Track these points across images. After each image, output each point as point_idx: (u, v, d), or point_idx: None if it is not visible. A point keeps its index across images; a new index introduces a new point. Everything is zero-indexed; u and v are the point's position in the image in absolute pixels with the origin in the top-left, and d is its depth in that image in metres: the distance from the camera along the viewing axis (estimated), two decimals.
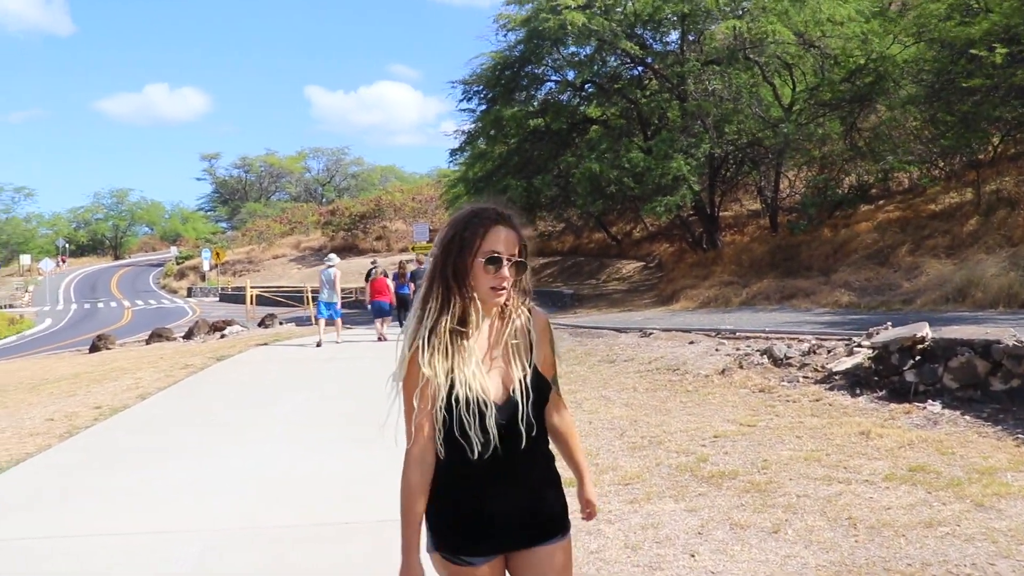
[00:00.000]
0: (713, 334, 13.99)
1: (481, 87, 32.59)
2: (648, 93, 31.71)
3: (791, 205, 33.66)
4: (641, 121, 31.14)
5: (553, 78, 33.27)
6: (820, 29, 26.97)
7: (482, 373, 2.55)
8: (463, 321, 2.59)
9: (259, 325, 27.18)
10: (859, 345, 10.49)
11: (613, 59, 31.75)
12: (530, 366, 2.61)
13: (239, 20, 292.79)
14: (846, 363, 10.14)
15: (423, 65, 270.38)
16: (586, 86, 33.10)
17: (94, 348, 25.89)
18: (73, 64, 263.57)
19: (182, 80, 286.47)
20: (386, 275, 21.63)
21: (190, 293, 65.10)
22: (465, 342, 2.56)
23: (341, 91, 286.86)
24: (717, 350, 12.33)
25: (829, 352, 10.75)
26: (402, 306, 21.70)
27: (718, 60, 29.06)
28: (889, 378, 9.35)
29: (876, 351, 9.66)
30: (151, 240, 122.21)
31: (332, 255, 20.77)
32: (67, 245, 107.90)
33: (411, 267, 22.98)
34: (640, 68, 32.47)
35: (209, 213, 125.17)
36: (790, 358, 10.88)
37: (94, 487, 6.93)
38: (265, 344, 19.93)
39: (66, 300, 64.21)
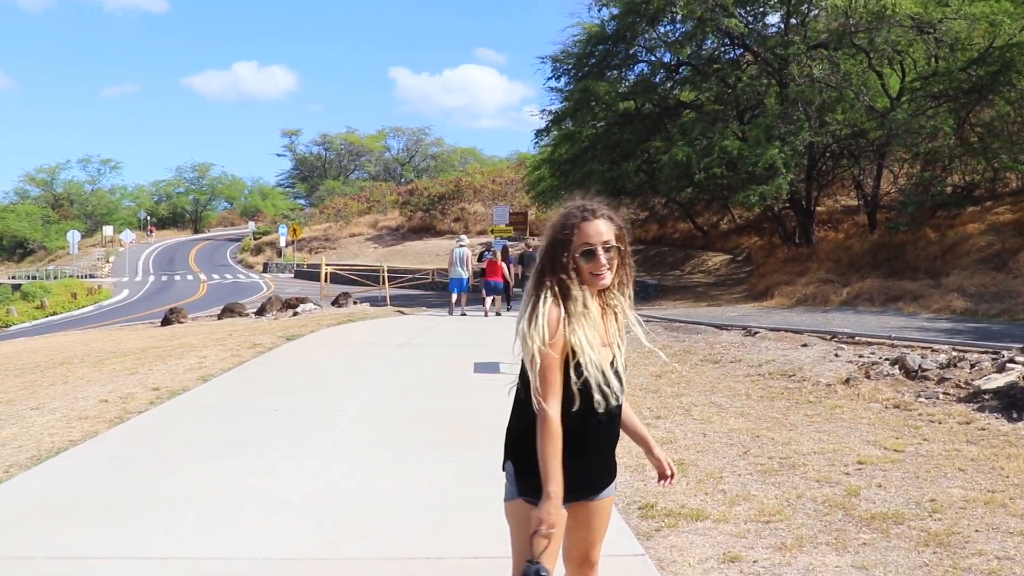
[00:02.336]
0: (828, 337, 12.67)
1: (571, 64, 31.34)
2: (746, 77, 30.11)
3: (890, 203, 31.81)
4: (737, 107, 29.55)
5: (646, 59, 31.91)
6: (942, 10, 25.04)
7: (600, 342, 2.96)
8: (576, 303, 2.92)
9: (333, 304, 26.36)
10: (1012, 360, 9.11)
11: (710, 41, 30.28)
12: (623, 343, 3.07)
13: (327, 1, 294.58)
14: (997, 380, 8.76)
15: (509, 49, 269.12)
16: (681, 68, 31.68)
17: (166, 321, 25.42)
18: (166, 41, 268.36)
19: (270, 58, 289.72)
20: (495, 257, 22.90)
21: (266, 269, 65.01)
22: (585, 320, 2.92)
23: (426, 73, 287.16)
24: (837, 355, 11.01)
25: (973, 367, 9.38)
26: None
27: (825, 43, 27.41)
28: None
29: None
30: (230, 215, 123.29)
31: (463, 235, 23.42)
32: (149, 217, 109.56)
33: (496, 251, 23.56)
34: (739, 51, 30.93)
35: (288, 190, 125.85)
36: (926, 370, 9.54)
37: (131, 492, 5.97)
38: (339, 324, 19.08)
39: (145, 272, 64.72)
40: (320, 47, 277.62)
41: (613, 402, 2.94)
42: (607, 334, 2.99)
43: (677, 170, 26.67)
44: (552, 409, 2.84)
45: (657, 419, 8.44)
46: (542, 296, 2.92)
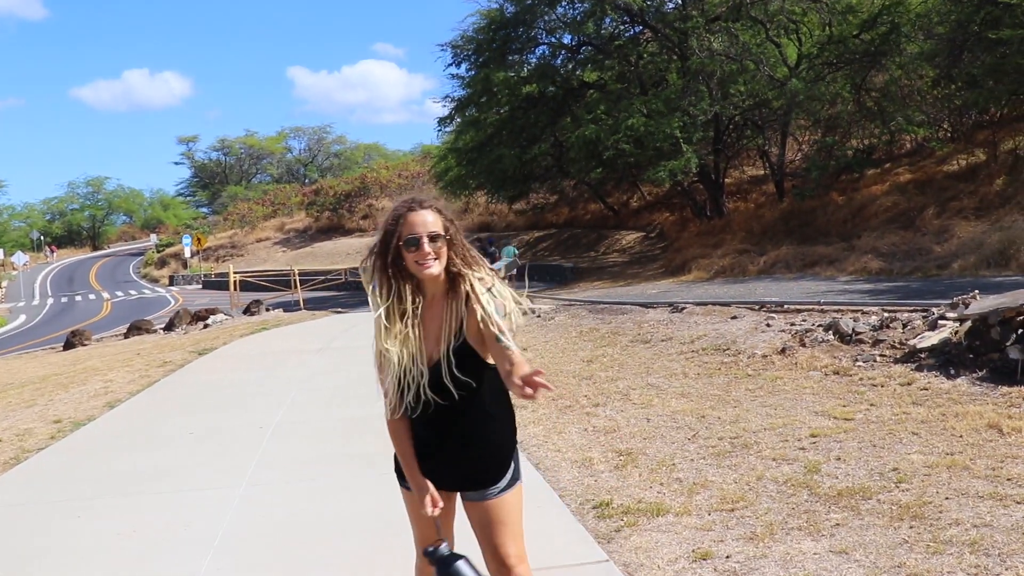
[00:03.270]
0: (757, 307, 12.49)
1: (471, 50, 30.88)
2: (647, 54, 30.03)
3: (795, 170, 32.15)
4: (640, 84, 29.49)
5: (547, 40, 31.62)
6: None
7: (418, 342, 2.95)
8: (407, 298, 2.98)
9: (244, 312, 25.57)
10: (943, 317, 8.99)
11: (608, 20, 30.13)
12: (457, 335, 2.93)
13: (220, 1, 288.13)
14: (931, 338, 8.63)
15: (408, 42, 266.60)
16: (582, 48, 31.48)
17: (68, 345, 24.27)
18: (48, 51, 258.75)
19: (162, 64, 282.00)
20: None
21: (172, 281, 63.07)
22: (408, 317, 2.96)
23: (324, 71, 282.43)
24: (768, 325, 10.82)
25: (906, 326, 9.25)
26: None
27: (722, 16, 27.47)
28: (987, 355, 7.86)
29: (971, 324, 8.20)
30: (131, 229, 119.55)
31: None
32: (42, 238, 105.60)
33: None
34: (639, 28, 30.84)
35: (189, 199, 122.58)
36: (860, 333, 9.38)
37: (28, 546, 5.33)
38: (252, 333, 18.39)
39: (42, 294, 62.12)
40: (213, 50, 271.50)
41: (431, 400, 2.93)
42: (437, 327, 2.95)
43: (586, 149, 26.50)
44: (386, 410, 3.04)
45: (596, 407, 8.10)
46: (372, 295, 3.04)
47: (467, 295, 2.95)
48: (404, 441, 3.02)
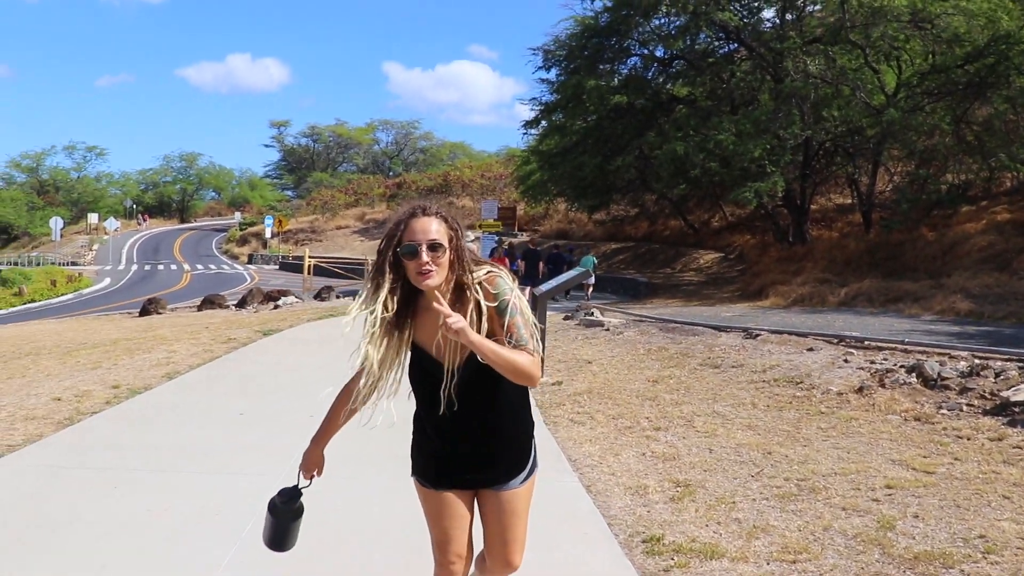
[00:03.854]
0: (835, 340, 11.97)
1: (563, 55, 30.61)
2: (739, 73, 29.43)
3: (884, 201, 31.20)
4: (731, 102, 28.92)
5: (639, 52, 31.22)
6: (940, 5, 24.42)
7: (426, 338, 2.97)
8: (405, 304, 2.94)
9: (315, 297, 25.69)
10: None
11: (703, 35, 29.62)
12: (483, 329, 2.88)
13: None
14: None
15: (502, 46, 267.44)
16: (674, 62, 31.01)
17: (144, 311, 24.69)
18: (161, 33, 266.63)
19: (264, 51, 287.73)
20: (506, 253, 24.00)
21: (251, 260, 64.12)
22: (405, 322, 2.96)
23: (419, 68, 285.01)
24: (846, 361, 10.32)
25: (998, 376, 8.69)
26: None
27: (820, 39, 26.77)
28: None
29: None
30: (218, 205, 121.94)
31: (468, 231, 24.15)
32: (135, 206, 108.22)
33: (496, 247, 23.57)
34: (733, 45, 30.27)
35: (276, 181, 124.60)
36: (946, 379, 8.86)
37: (60, 513, 5.22)
38: (319, 319, 18.34)
39: (128, 260, 63.70)
40: (314, 41, 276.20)
41: (428, 398, 3.02)
42: (436, 332, 2.87)
43: (673, 165, 26.03)
44: (351, 384, 3.24)
45: (657, 430, 7.74)
46: (358, 293, 3.04)
47: (477, 301, 2.90)
48: (340, 405, 3.25)
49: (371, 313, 2.92)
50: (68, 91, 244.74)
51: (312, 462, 3.33)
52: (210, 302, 25.48)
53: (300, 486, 3.40)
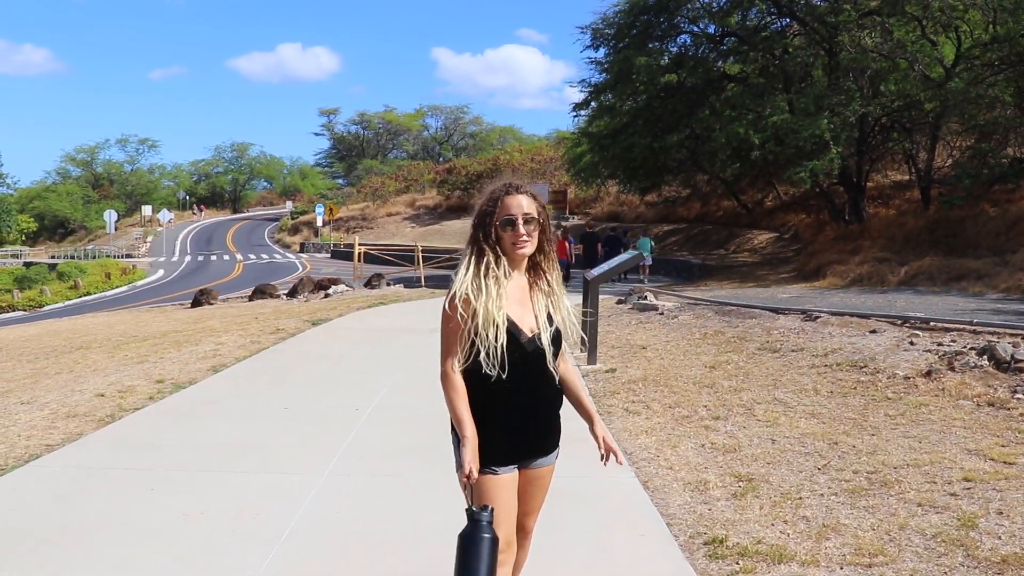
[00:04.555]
0: (899, 322, 11.49)
1: (612, 33, 30.08)
2: (792, 49, 28.71)
3: (943, 177, 30.31)
4: (784, 79, 28.21)
5: (689, 29, 30.61)
6: None
7: (511, 309, 3.12)
8: (499, 272, 3.14)
9: (365, 285, 25.54)
10: None
11: (755, 11, 28.94)
12: (555, 312, 3.23)
13: None
14: None
15: (551, 29, 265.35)
16: (725, 39, 30.37)
17: (196, 303, 24.77)
18: (212, 24, 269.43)
19: (314, 40, 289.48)
20: (567, 238, 24.84)
21: (303, 248, 64.40)
22: (500, 288, 3.10)
23: (468, 54, 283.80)
24: (912, 343, 9.87)
25: None
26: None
27: (876, 11, 25.97)
28: None
29: None
30: (269, 195, 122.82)
31: None
32: (188, 197, 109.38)
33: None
34: (786, 20, 29.54)
35: (326, 169, 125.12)
36: (1020, 361, 8.38)
37: (93, 517, 5.05)
38: (369, 307, 18.20)
39: (182, 252, 64.32)
40: (363, 29, 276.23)
41: (517, 370, 3.07)
42: (531, 307, 3.19)
43: (732, 146, 25.51)
44: (447, 366, 3.13)
45: (716, 420, 7.40)
46: (461, 263, 3.19)
47: (550, 294, 3.25)
48: (462, 396, 3.10)
49: (491, 279, 3.11)
50: (122, 85, 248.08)
51: (476, 462, 3.05)
52: (261, 292, 25.47)
53: (486, 515, 2.96)
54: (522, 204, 3.16)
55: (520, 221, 3.13)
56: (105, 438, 6.83)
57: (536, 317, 3.17)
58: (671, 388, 8.82)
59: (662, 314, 14.75)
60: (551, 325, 3.18)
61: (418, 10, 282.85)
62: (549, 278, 3.25)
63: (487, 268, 3.12)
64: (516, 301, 3.15)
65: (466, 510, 2.99)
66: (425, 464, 6.07)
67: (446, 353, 3.14)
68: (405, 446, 6.60)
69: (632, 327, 13.66)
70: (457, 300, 3.08)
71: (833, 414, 7.47)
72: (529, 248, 3.16)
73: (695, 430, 7.10)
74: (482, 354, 3.05)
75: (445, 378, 3.13)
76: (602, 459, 3.34)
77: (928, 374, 8.53)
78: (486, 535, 2.89)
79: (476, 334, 3.06)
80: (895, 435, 6.68)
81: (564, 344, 3.29)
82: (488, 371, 3.04)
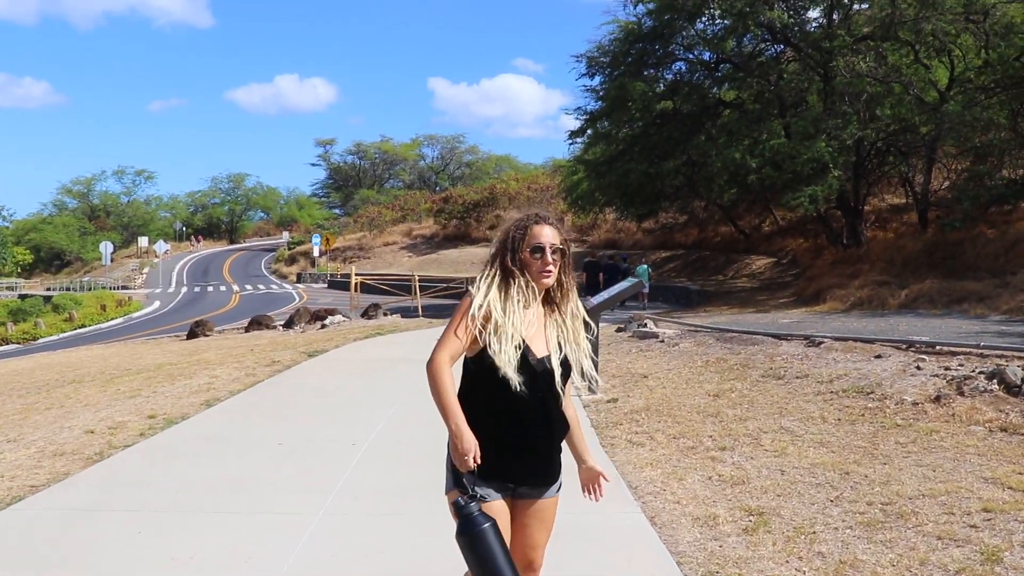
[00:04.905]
0: (904, 346, 11.33)
1: (607, 61, 30.11)
2: (787, 74, 28.75)
3: (938, 200, 30.28)
4: (780, 105, 28.22)
5: (684, 56, 30.64)
6: None
7: (528, 329, 3.12)
8: (519, 292, 3.14)
9: (362, 315, 25.38)
10: None
11: (749, 37, 28.96)
12: (565, 344, 3.21)
13: (367, 12, 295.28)
14: None
15: (547, 59, 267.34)
16: (720, 66, 30.40)
17: (191, 334, 24.64)
18: (211, 56, 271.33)
19: (311, 71, 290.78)
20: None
21: (299, 279, 64.27)
22: (525, 307, 3.13)
23: (464, 83, 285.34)
24: (919, 368, 9.69)
25: None
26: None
27: (870, 36, 26.03)
28: None
29: None
30: (266, 225, 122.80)
31: None
32: (184, 228, 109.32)
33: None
34: (780, 47, 29.62)
35: (323, 199, 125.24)
36: None
37: (74, 563, 4.84)
38: (365, 337, 18.01)
39: (178, 283, 64.18)
40: (360, 60, 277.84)
41: (525, 388, 3.04)
42: (544, 332, 3.18)
43: (728, 171, 25.44)
44: (442, 355, 3.04)
45: (722, 450, 7.20)
46: (483, 277, 3.19)
47: (562, 325, 3.24)
48: (448, 386, 3.02)
49: (518, 297, 3.12)
50: (121, 117, 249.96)
51: (473, 445, 2.99)
52: (257, 323, 25.31)
53: (471, 506, 2.94)
54: (552, 235, 3.21)
55: (548, 251, 3.18)
56: (93, 477, 6.62)
57: (547, 342, 3.17)
58: (675, 418, 8.62)
59: (663, 342, 14.57)
60: (560, 352, 3.17)
61: (415, 41, 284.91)
62: (563, 309, 3.25)
63: (514, 287, 3.14)
64: (530, 325, 3.15)
65: (451, 504, 2.95)
66: (424, 502, 5.85)
67: (444, 344, 3.06)
68: (403, 482, 6.40)
69: (633, 355, 13.48)
70: (481, 306, 3.09)
71: (842, 442, 7.27)
72: (552, 279, 3.20)
73: (701, 461, 6.90)
74: (499, 356, 3.02)
75: (437, 365, 3.03)
76: (591, 491, 3.40)
77: (937, 399, 8.35)
78: (484, 524, 2.86)
79: (490, 345, 3.04)
80: (908, 463, 6.49)
81: (571, 377, 3.24)
82: (498, 380, 3.02)
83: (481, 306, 3.07)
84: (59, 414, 10.21)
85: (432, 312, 28.05)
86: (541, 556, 3.29)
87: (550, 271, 3.17)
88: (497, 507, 3.06)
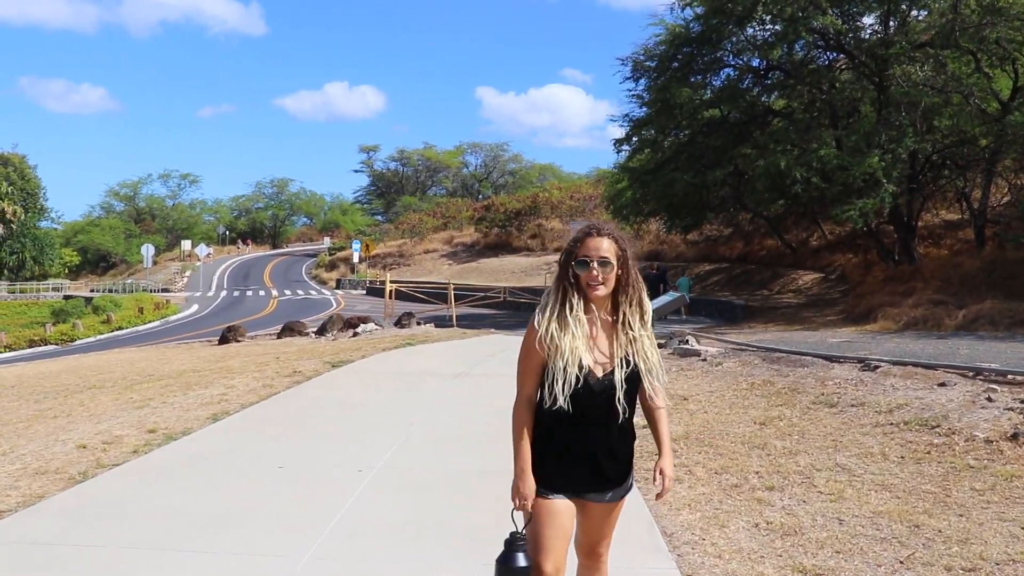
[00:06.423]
0: (970, 374, 10.40)
1: (653, 66, 29.26)
2: (839, 83, 27.70)
3: (995, 216, 29.07)
4: (831, 114, 27.18)
5: (732, 63, 29.69)
6: None
7: (586, 348, 3.20)
8: (576, 309, 3.22)
9: (395, 324, 24.73)
10: None
11: (801, 44, 27.93)
12: (635, 355, 3.24)
13: (417, 22, 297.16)
14: None
15: (595, 69, 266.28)
16: (770, 74, 29.39)
17: (223, 340, 24.18)
18: (262, 64, 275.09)
19: (361, 79, 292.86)
20: None
21: (339, 285, 64.00)
22: (579, 325, 3.19)
23: (512, 93, 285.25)
24: (990, 400, 8.77)
25: None
26: None
27: (929, 43, 24.92)
28: None
29: None
30: (309, 231, 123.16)
31: None
32: (228, 232, 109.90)
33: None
34: (833, 54, 28.56)
35: (366, 206, 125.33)
36: None
37: None
38: (395, 348, 17.35)
39: (218, 287, 64.18)
40: (408, 68, 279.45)
41: (582, 411, 3.18)
42: (608, 347, 3.25)
43: (771, 179, 24.47)
44: (517, 398, 3.29)
45: (770, 490, 6.39)
46: (547, 300, 3.30)
47: (631, 337, 3.27)
48: (528, 434, 3.24)
49: (571, 316, 3.20)
50: (172, 122, 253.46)
51: (530, 490, 3.22)
52: (290, 329, 24.81)
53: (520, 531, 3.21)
54: (600, 246, 3.23)
55: (594, 263, 3.20)
56: (68, 502, 5.96)
57: (613, 356, 3.22)
58: (717, 449, 7.80)
59: (705, 360, 13.73)
60: (627, 366, 3.21)
61: (463, 51, 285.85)
62: (631, 320, 3.27)
63: (569, 307, 3.20)
64: (594, 339, 3.22)
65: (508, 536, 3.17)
66: (429, 546, 5.12)
67: (519, 387, 3.28)
68: (409, 520, 5.66)
69: (673, 374, 12.65)
70: (538, 336, 3.19)
71: (908, 485, 6.43)
72: (603, 290, 3.22)
73: (746, 504, 6.10)
74: (555, 386, 3.13)
75: (514, 409, 3.28)
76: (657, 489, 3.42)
77: (1015, 437, 7.45)
78: (523, 564, 3.10)
79: (552, 367, 3.15)
80: (988, 516, 5.64)
81: (654, 383, 3.32)
82: (555, 403, 3.13)
83: (540, 334, 3.18)
84: (62, 424, 9.66)
85: (469, 321, 27.44)
86: (605, 547, 3.44)
87: (598, 283, 3.20)
88: (559, 505, 3.22)
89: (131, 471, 6.90)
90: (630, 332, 3.25)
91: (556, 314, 3.21)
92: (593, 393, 3.16)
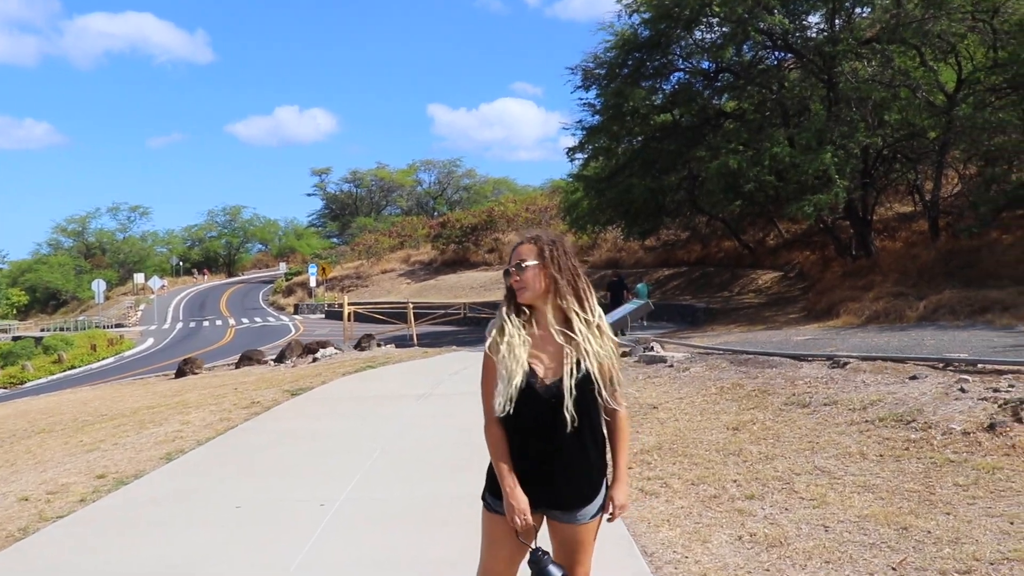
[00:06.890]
0: (940, 365, 10.26)
1: (603, 73, 29.18)
2: (788, 82, 27.81)
3: (947, 207, 29.27)
4: (783, 113, 27.26)
5: (682, 67, 29.70)
6: None
7: (533, 355, 3.16)
8: (523, 319, 3.23)
9: (355, 347, 24.34)
10: None
11: (749, 45, 28.01)
12: (579, 368, 3.12)
13: (365, 43, 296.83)
14: None
15: (546, 82, 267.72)
16: (719, 76, 29.45)
17: (180, 373, 23.60)
18: (211, 91, 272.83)
19: (311, 102, 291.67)
20: None
21: (297, 310, 63.27)
22: (519, 333, 3.17)
23: (463, 108, 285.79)
24: (964, 391, 8.60)
25: None
26: None
27: (875, 39, 25.07)
28: None
29: None
30: (265, 257, 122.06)
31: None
32: (181, 263, 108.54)
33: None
34: (781, 53, 28.66)
35: (320, 229, 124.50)
36: None
37: None
38: (356, 371, 16.97)
39: (174, 319, 63.17)
40: (359, 89, 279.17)
41: (529, 420, 3.12)
42: (558, 354, 3.16)
43: (724, 180, 24.44)
44: (485, 418, 3.22)
45: (750, 499, 6.15)
46: (497, 313, 3.32)
47: (579, 344, 3.15)
48: (505, 450, 3.16)
49: (512, 325, 3.19)
50: (120, 154, 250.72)
51: (525, 504, 3.13)
52: (248, 359, 24.29)
53: (546, 559, 3.10)
54: (520, 252, 3.25)
55: (512, 269, 3.22)
56: (2, 564, 5.56)
57: (564, 363, 3.13)
58: (691, 458, 7.55)
59: (671, 366, 13.51)
60: (577, 372, 3.11)
61: (413, 68, 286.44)
62: (579, 324, 3.19)
63: (511, 317, 3.21)
64: (542, 346, 3.18)
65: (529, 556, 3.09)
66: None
67: (485, 407, 3.22)
68: (378, 557, 5.33)
69: (640, 383, 12.41)
70: (487, 349, 3.21)
71: (890, 485, 6.22)
72: (528, 293, 3.19)
73: (727, 515, 5.85)
74: (500, 392, 3.10)
75: (485, 430, 3.22)
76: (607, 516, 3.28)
77: (991, 428, 7.28)
78: (557, 574, 3.02)
79: (498, 375, 3.13)
80: (975, 513, 5.43)
81: (608, 387, 3.19)
82: (504, 410, 3.09)
83: (488, 346, 3.20)
84: (3, 475, 9.17)
85: (430, 339, 27.09)
86: (584, 572, 3.27)
87: (519, 287, 3.20)
88: (507, 525, 3.13)
89: (75, 523, 6.48)
90: (579, 335, 3.16)
91: (500, 325, 3.21)
92: (540, 399, 3.09)
